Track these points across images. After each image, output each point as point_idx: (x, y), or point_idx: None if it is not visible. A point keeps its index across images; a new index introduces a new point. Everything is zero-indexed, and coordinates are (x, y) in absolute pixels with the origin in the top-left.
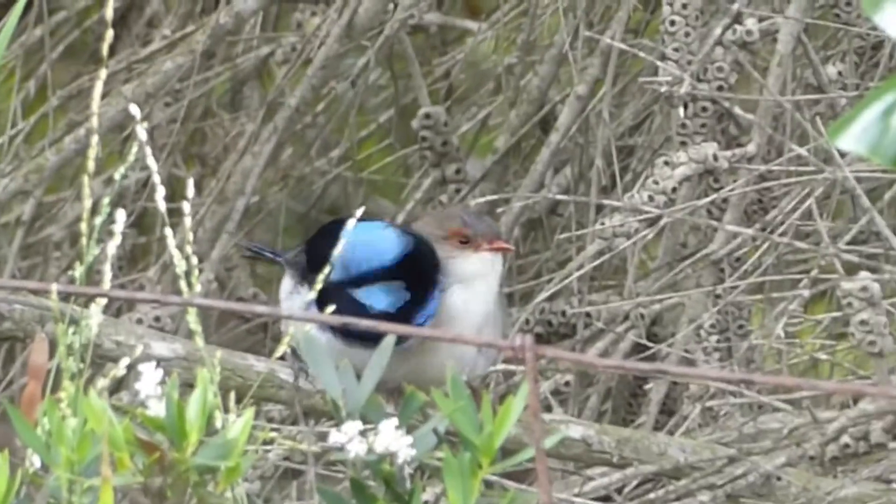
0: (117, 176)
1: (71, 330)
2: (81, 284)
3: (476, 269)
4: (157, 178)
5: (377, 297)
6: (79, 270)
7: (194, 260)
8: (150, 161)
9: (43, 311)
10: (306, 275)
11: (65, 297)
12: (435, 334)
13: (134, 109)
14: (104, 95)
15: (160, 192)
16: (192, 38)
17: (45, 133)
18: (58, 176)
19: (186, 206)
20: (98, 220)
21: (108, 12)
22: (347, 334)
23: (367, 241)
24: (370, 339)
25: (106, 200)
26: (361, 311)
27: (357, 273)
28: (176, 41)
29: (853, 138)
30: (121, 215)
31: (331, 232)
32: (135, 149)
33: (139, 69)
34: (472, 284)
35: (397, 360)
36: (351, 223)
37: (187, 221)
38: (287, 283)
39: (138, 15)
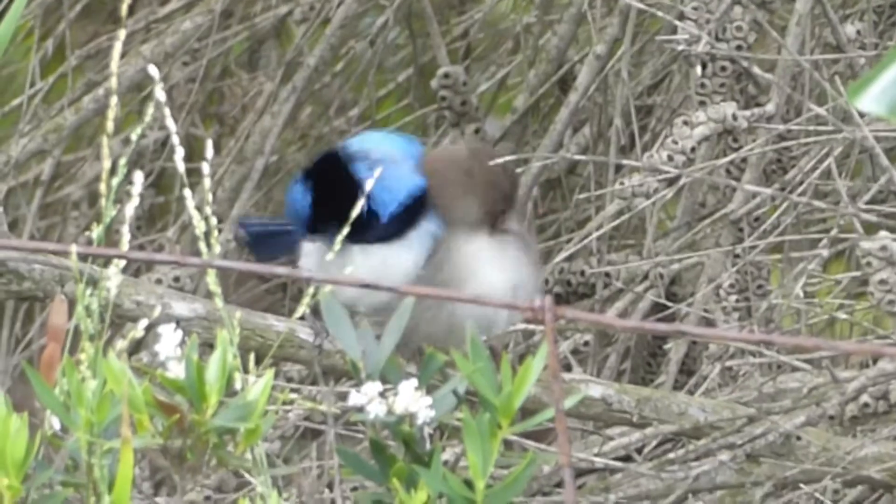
0: (134, 136)
1: (90, 291)
2: (100, 245)
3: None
4: (175, 140)
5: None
6: (97, 231)
7: (213, 221)
8: (169, 122)
9: (63, 270)
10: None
11: (84, 257)
12: (454, 295)
13: (153, 70)
14: (122, 55)
15: (179, 154)
16: None
17: (63, 93)
18: (76, 136)
19: (206, 167)
20: (115, 181)
21: None
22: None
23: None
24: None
25: (123, 161)
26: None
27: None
28: (194, 0)
29: (872, 99)
30: (138, 177)
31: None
32: (152, 110)
33: (157, 29)
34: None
35: (417, 321)
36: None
37: (206, 182)
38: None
39: None
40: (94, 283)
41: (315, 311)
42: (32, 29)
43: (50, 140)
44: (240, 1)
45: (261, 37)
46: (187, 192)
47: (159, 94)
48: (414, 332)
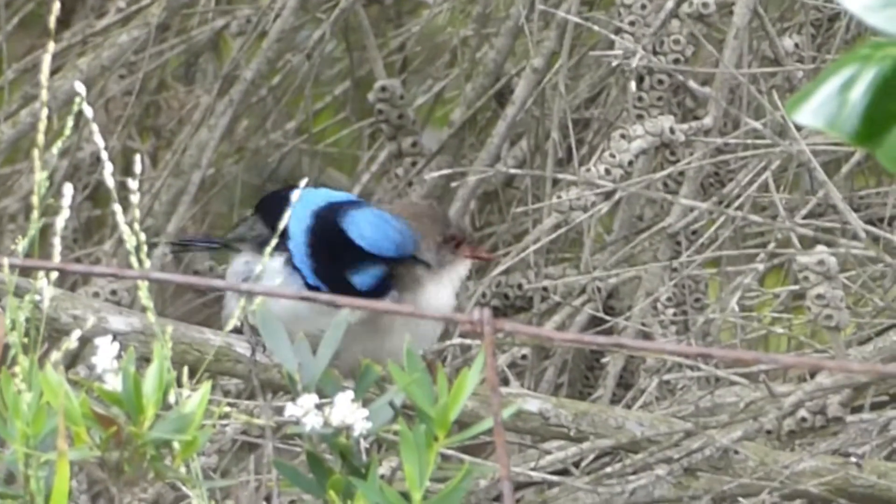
0: (55, 151)
1: (21, 303)
2: (27, 258)
3: (464, 273)
4: (104, 155)
5: (362, 276)
6: (21, 244)
7: (143, 236)
8: (98, 138)
9: None
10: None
11: (22, 270)
12: (395, 308)
13: (79, 87)
14: (60, 68)
15: (108, 169)
16: (147, 10)
17: (0, 106)
18: (13, 148)
19: (134, 183)
20: (42, 193)
21: None
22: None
23: (376, 224)
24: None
25: (44, 175)
26: (348, 285)
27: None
28: (131, 14)
29: (811, 112)
30: (68, 189)
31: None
32: (70, 125)
33: (94, 42)
34: (452, 283)
35: (354, 337)
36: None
37: (135, 198)
38: (240, 259)
39: None
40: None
41: (251, 325)
42: None
43: None
44: (176, 14)
45: (197, 50)
46: (117, 206)
47: (87, 110)
48: (350, 347)
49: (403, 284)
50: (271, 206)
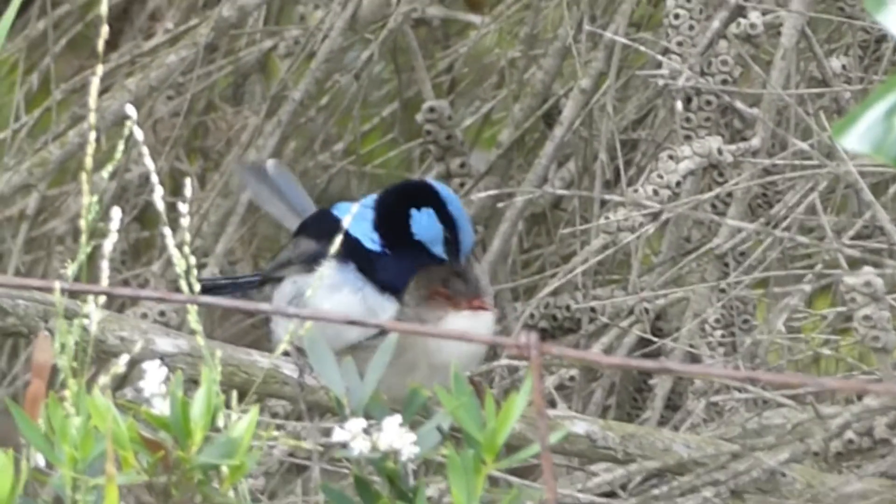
0: (105, 174)
1: (69, 326)
2: (76, 282)
3: (463, 326)
4: (154, 178)
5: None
6: (71, 268)
7: (193, 259)
8: (148, 161)
9: (47, 306)
10: (317, 258)
11: (70, 293)
12: (443, 333)
13: (130, 109)
14: (107, 89)
15: (158, 192)
16: (195, 31)
17: (48, 127)
18: (61, 170)
19: (184, 207)
20: (91, 216)
21: (103, 8)
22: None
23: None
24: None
25: (94, 199)
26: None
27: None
28: (179, 34)
29: (857, 137)
30: (116, 212)
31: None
32: (121, 147)
33: (142, 63)
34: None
35: (400, 368)
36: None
37: (184, 221)
38: (288, 280)
39: (141, 8)
40: (76, 318)
41: (299, 347)
42: (17, 63)
43: (35, 174)
44: (224, 35)
45: (245, 71)
46: (167, 230)
47: (138, 132)
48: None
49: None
50: (316, 223)
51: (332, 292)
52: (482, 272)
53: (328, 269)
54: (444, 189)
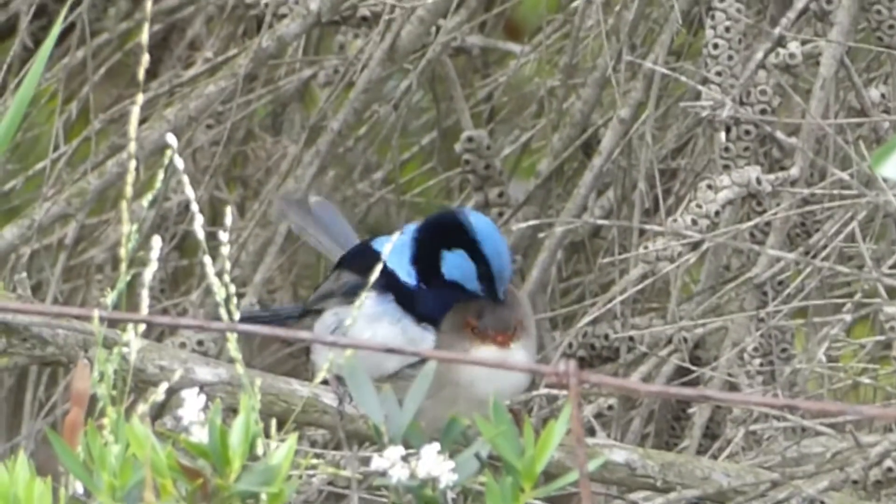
0: (145, 203)
1: (108, 355)
2: (115, 310)
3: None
4: (195, 207)
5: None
6: (110, 297)
7: (233, 288)
8: (188, 190)
9: (86, 335)
10: (358, 290)
11: (108, 322)
12: (481, 360)
13: (171, 139)
14: (146, 118)
15: (198, 221)
16: (234, 61)
17: (87, 156)
18: (100, 199)
19: (224, 236)
20: (131, 245)
21: (144, 37)
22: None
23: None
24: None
25: (135, 227)
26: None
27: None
28: (218, 64)
29: None
30: (157, 241)
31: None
32: (161, 176)
33: (181, 92)
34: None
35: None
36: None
37: (225, 250)
38: (330, 311)
39: (180, 37)
40: (115, 347)
41: (339, 376)
42: (56, 92)
43: (73, 203)
44: (263, 65)
45: (284, 100)
46: (207, 258)
47: (178, 161)
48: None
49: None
50: (356, 256)
51: (372, 322)
52: (524, 299)
53: (368, 301)
54: (479, 222)
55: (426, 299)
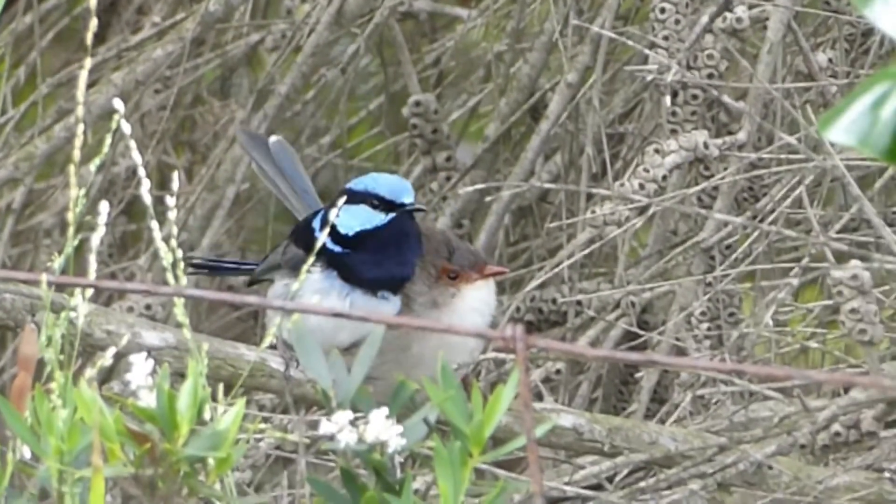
0: (93, 168)
1: (56, 319)
2: (63, 274)
3: (480, 298)
4: (142, 172)
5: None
6: (57, 261)
7: (180, 253)
8: (135, 155)
9: (33, 299)
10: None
11: (57, 286)
12: (428, 324)
13: (118, 104)
14: (94, 83)
15: (145, 186)
16: (181, 25)
17: (34, 121)
18: (48, 163)
19: (171, 200)
20: (79, 209)
21: (93, 2)
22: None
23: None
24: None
25: (82, 192)
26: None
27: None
28: (165, 28)
29: (843, 130)
30: (104, 206)
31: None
32: (108, 141)
33: (129, 56)
34: (456, 312)
35: (387, 356)
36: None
37: (172, 214)
38: (279, 283)
39: (128, 2)
40: (62, 311)
41: (286, 341)
42: (3, 57)
43: (21, 168)
44: (211, 29)
45: (232, 65)
46: (154, 223)
47: (125, 127)
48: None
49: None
50: (302, 232)
51: (322, 298)
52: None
53: (314, 277)
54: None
55: (363, 264)
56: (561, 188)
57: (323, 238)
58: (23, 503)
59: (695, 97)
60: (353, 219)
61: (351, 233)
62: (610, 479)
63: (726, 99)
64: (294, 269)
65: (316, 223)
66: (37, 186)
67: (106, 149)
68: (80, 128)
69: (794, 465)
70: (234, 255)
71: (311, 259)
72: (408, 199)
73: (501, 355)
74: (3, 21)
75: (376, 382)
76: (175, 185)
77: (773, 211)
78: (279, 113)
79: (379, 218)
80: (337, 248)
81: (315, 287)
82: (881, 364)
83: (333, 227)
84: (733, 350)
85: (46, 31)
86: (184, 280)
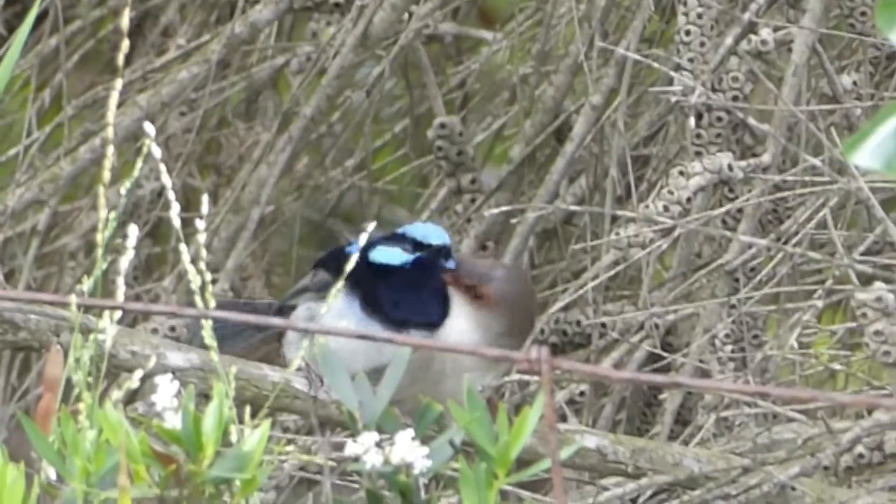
0: (123, 191)
1: (83, 341)
2: (94, 295)
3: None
4: (171, 195)
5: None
6: (87, 284)
7: (208, 276)
8: (165, 178)
9: (58, 321)
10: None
11: (84, 308)
12: (450, 346)
13: (148, 127)
14: (119, 105)
15: (175, 209)
16: (207, 47)
17: (60, 143)
18: (73, 185)
19: (201, 223)
20: (108, 233)
21: (124, 22)
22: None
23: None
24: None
25: (112, 215)
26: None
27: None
28: (191, 50)
29: (868, 154)
30: (133, 230)
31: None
32: (139, 164)
33: (154, 78)
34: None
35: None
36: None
37: (201, 238)
38: (303, 305)
39: (153, 24)
40: (89, 333)
41: (308, 364)
42: (29, 79)
43: (46, 190)
44: (236, 51)
45: (257, 87)
46: (182, 246)
47: (154, 149)
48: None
49: None
50: (332, 258)
51: (340, 320)
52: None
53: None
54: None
55: (386, 293)
56: (585, 210)
57: (352, 263)
58: None
59: (719, 119)
60: (385, 255)
61: (378, 264)
62: (634, 501)
63: (751, 121)
64: (320, 291)
65: (351, 249)
66: (62, 209)
67: (136, 172)
68: (110, 149)
69: (818, 486)
70: (258, 278)
71: (341, 282)
72: (436, 241)
73: (525, 377)
74: (28, 43)
75: (399, 403)
76: (204, 207)
77: (797, 233)
78: (304, 135)
79: (406, 257)
80: (364, 276)
81: (335, 309)
82: None
83: (364, 257)
84: (757, 372)
85: (72, 54)
86: (212, 303)
